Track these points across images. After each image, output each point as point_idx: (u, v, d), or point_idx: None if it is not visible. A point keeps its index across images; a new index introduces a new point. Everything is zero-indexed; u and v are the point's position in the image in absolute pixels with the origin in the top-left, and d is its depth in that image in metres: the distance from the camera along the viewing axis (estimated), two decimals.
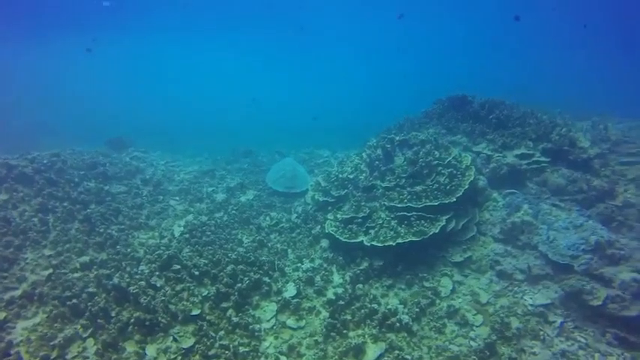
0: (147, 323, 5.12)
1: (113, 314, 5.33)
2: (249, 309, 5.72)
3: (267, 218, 8.56)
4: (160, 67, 44.07)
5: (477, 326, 5.46)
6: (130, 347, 4.95)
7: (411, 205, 6.98)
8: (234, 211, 8.62)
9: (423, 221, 6.73)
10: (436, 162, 7.76)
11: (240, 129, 20.32)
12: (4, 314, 5.35)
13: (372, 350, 5.03)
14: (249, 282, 5.93)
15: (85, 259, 6.61)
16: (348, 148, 14.00)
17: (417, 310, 5.69)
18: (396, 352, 4.97)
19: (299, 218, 8.39)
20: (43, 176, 8.39)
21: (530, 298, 5.76)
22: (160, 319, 5.16)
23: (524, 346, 5.06)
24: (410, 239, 6.38)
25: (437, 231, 6.46)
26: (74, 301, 5.47)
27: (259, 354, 5.02)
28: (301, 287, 6.21)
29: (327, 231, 7.27)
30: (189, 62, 46.31)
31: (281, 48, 46.58)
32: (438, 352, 5.09)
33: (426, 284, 6.26)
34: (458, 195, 6.90)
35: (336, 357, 4.96)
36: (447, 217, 6.77)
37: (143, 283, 5.70)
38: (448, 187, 7.12)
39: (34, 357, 4.77)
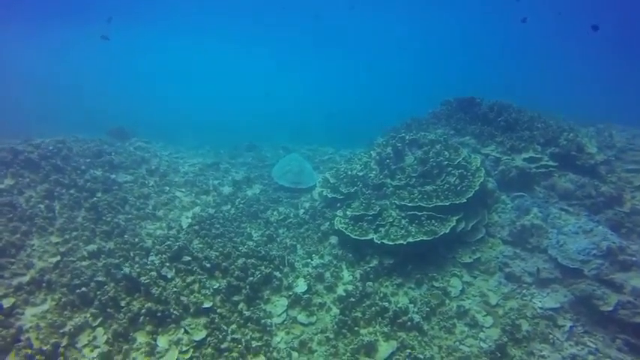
0: (158, 314, 5.08)
1: (123, 304, 5.28)
2: (261, 303, 5.70)
3: (275, 213, 8.52)
4: (165, 63, 44.09)
5: (487, 327, 5.49)
6: (141, 338, 4.92)
7: (421, 204, 6.99)
8: (241, 205, 8.57)
9: (433, 221, 6.74)
10: (446, 162, 7.77)
11: (243, 124, 20.32)
12: (12, 300, 5.29)
13: (384, 348, 5.04)
14: (261, 276, 5.92)
15: (93, 247, 6.53)
16: (350, 146, 14.06)
17: (427, 309, 5.71)
18: (408, 350, 4.99)
19: (307, 214, 8.36)
20: (49, 162, 8.28)
21: (540, 302, 5.79)
22: (172, 310, 5.13)
23: (533, 349, 5.10)
24: (421, 238, 6.38)
25: (447, 231, 6.47)
26: (83, 289, 5.42)
27: (271, 349, 5.01)
28: (312, 283, 6.20)
29: (336, 227, 7.26)
30: (194, 59, 46.32)
31: (292, 45, 47.25)
32: (448, 352, 5.12)
33: (436, 284, 6.28)
34: (468, 196, 6.93)
35: (348, 354, 4.97)
36: (458, 217, 6.79)
37: (154, 273, 5.65)
38: (459, 188, 7.14)
39: (45, 344, 4.72)
